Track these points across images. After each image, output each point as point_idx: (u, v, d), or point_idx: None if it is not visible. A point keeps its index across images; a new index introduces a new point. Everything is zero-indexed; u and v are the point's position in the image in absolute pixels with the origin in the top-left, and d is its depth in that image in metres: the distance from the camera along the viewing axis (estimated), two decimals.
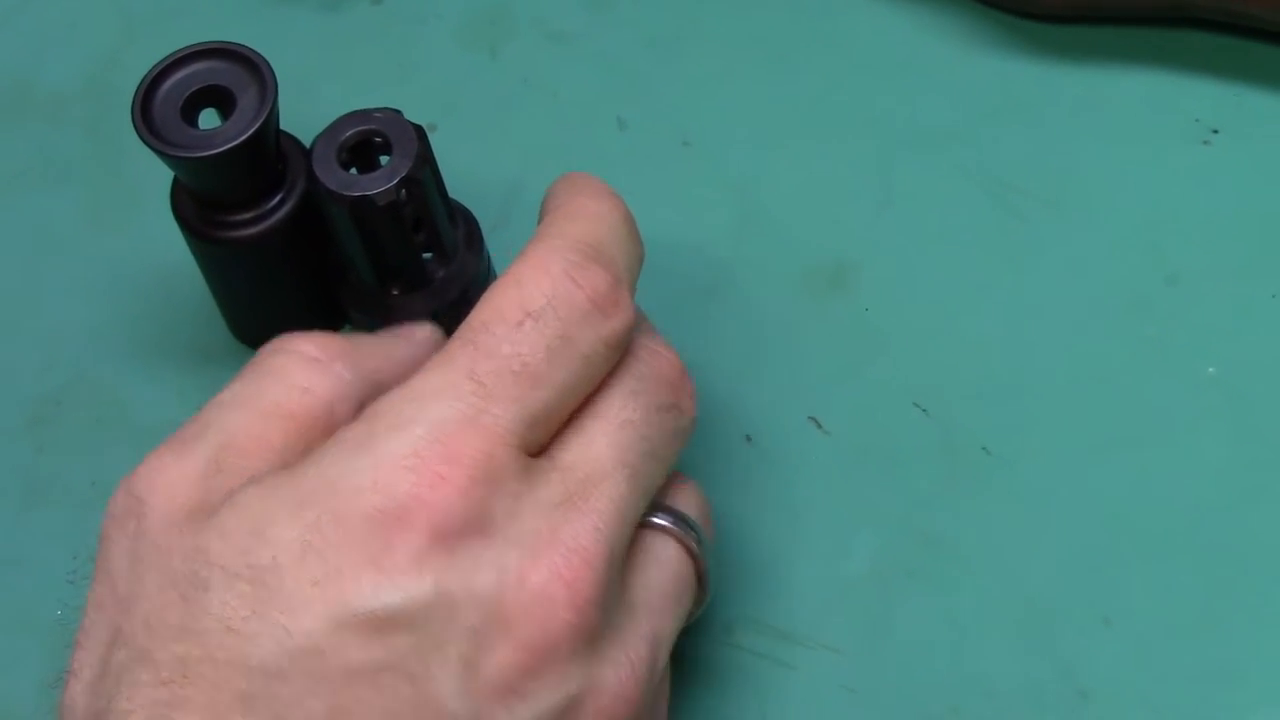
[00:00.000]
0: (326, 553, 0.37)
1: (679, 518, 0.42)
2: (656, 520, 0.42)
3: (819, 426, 0.49)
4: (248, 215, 0.48)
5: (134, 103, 0.46)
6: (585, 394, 0.41)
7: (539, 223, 0.43)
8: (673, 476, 0.43)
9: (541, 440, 0.40)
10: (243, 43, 0.48)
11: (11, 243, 0.55)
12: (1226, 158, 0.52)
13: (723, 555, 0.47)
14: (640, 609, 0.41)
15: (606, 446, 0.40)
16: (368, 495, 0.37)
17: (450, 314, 0.48)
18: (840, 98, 0.54)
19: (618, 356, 0.41)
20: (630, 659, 0.39)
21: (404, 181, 0.46)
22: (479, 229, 0.49)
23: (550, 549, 0.38)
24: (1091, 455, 0.48)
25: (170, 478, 0.40)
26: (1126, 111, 0.53)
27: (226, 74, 0.47)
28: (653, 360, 0.42)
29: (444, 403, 0.39)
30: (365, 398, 0.41)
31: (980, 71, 0.54)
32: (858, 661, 0.46)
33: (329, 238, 0.48)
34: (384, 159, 0.47)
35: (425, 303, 0.48)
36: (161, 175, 0.49)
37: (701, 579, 0.43)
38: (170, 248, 0.51)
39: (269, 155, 0.47)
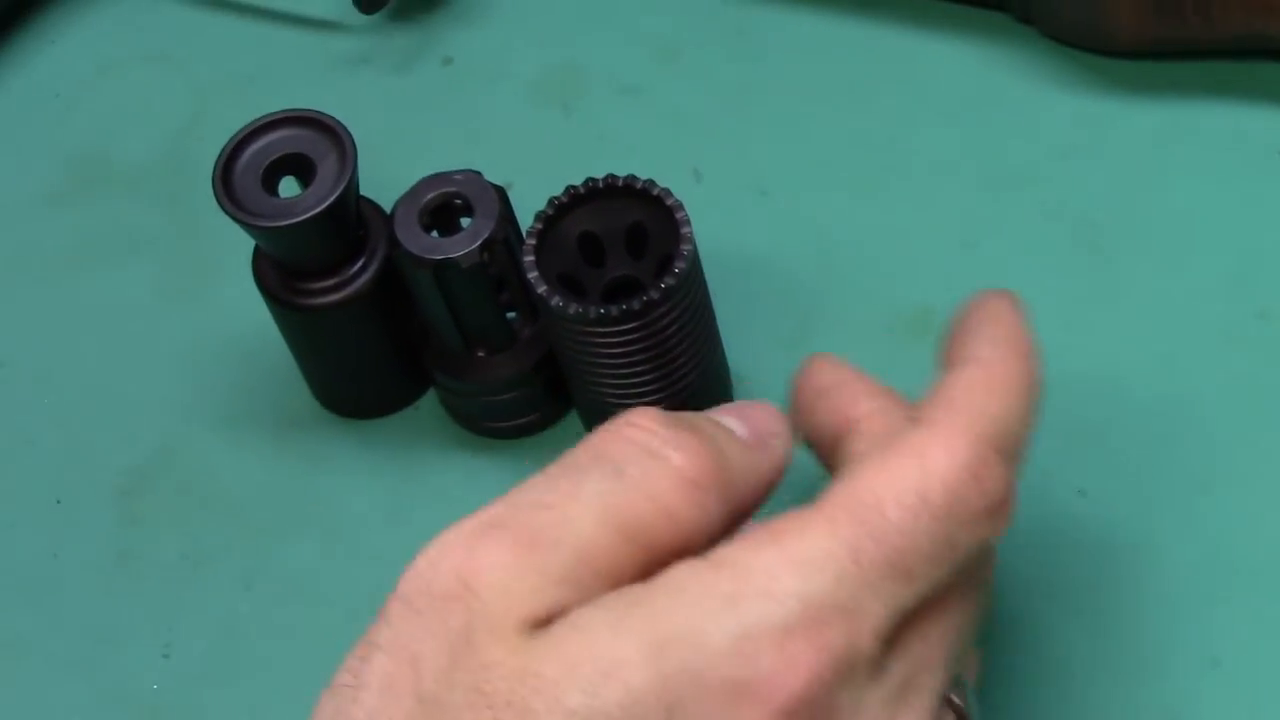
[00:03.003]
0: (676, 712, 0.35)
1: (962, 688, 0.41)
2: (949, 696, 0.40)
3: None
4: (330, 282, 0.48)
5: (215, 173, 0.47)
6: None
7: (948, 357, 0.41)
8: (971, 643, 0.41)
9: (897, 631, 0.38)
10: (315, 108, 0.48)
11: (94, 316, 0.55)
12: None
13: None
14: None
15: (939, 635, 0.38)
16: (730, 660, 0.35)
17: (537, 373, 0.48)
18: (917, 140, 0.54)
19: (984, 556, 0.40)
20: None
21: (487, 243, 0.46)
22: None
23: None
24: (1189, 493, 0.47)
25: (510, 578, 0.36)
26: (1208, 145, 0.53)
27: (305, 141, 0.47)
28: (985, 545, 0.39)
29: (823, 581, 0.36)
30: (726, 529, 0.39)
31: (1058, 109, 0.54)
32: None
33: (412, 302, 0.48)
34: (465, 221, 0.47)
35: (512, 363, 0.48)
36: (241, 243, 0.49)
37: None
38: (252, 316, 0.51)
39: (350, 221, 0.47)
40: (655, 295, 0.44)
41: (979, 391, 0.39)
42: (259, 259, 0.49)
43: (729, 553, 0.36)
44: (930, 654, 0.38)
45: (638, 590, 0.36)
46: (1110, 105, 0.54)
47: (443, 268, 0.46)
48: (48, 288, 0.56)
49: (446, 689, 0.35)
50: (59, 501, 0.52)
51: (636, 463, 0.37)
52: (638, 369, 0.46)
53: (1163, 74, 0.54)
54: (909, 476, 0.37)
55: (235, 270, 0.51)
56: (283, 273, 0.48)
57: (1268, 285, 0.50)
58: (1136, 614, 0.46)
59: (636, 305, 0.44)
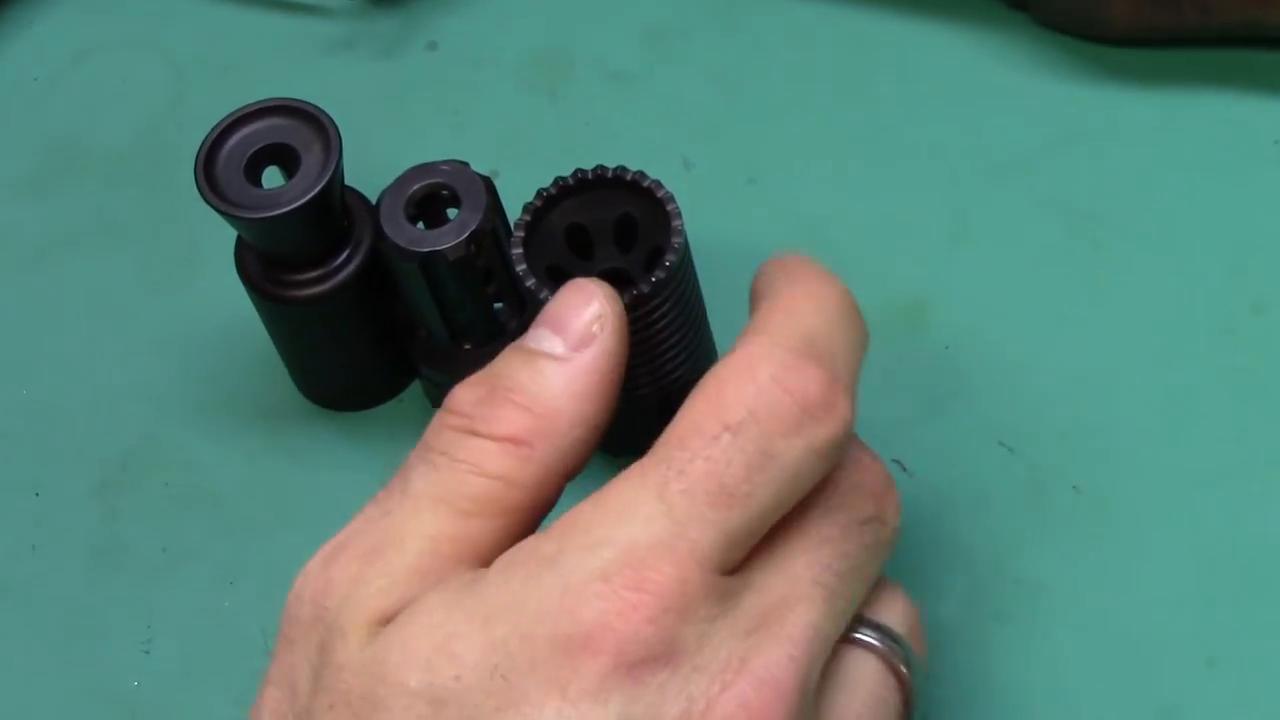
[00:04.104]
0: (511, 675, 0.35)
1: (883, 633, 0.40)
2: (858, 636, 0.40)
3: (903, 469, 0.48)
4: (314, 274, 0.47)
5: (196, 164, 0.46)
6: (790, 508, 0.38)
7: (751, 312, 0.41)
8: (885, 586, 0.41)
9: (739, 559, 0.38)
10: (298, 94, 0.47)
11: (71, 305, 0.54)
12: None
13: None
14: None
15: (804, 566, 0.38)
16: (554, 618, 0.36)
17: None
18: (908, 130, 0.53)
19: (830, 466, 0.38)
20: None
21: (474, 236, 0.45)
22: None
23: (740, 678, 0.36)
24: (1185, 490, 0.47)
25: (356, 587, 0.38)
26: (1203, 135, 0.52)
27: (289, 131, 0.46)
28: (855, 469, 0.39)
29: (635, 524, 0.36)
30: (578, 459, 0.39)
31: (1051, 98, 0.53)
32: (950, 709, 0.45)
33: (397, 293, 0.47)
34: (451, 212, 0.46)
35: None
36: (222, 233, 0.48)
37: (908, 700, 0.40)
38: (234, 307, 0.51)
39: (334, 212, 0.47)
40: (645, 289, 0.43)
41: (777, 314, 0.39)
42: (241, 249, 0.48)
43: (556, 522, 0.37)
44: (792, 586, 0.37)
45: (477, 571, 0.37)
46: (1104, 94, 0.53)
47: (429, 260, 0.45)
48: (25, 276, 0.55)
49: (314, 700, 0.37)
50: (37, 494, 0.51)
51: (457, 446, 0.39)
52: (627, 363, 0.45)
53: (1158, 62, 0.53)
54: (707, 407, 0.37)
55: (217, 260, 0.50)
56: (266, 263, 0.48)
57: (1263, 277, 0.50)
58: (1132, 612, 0.46)
59: (626, 299, 0.43)
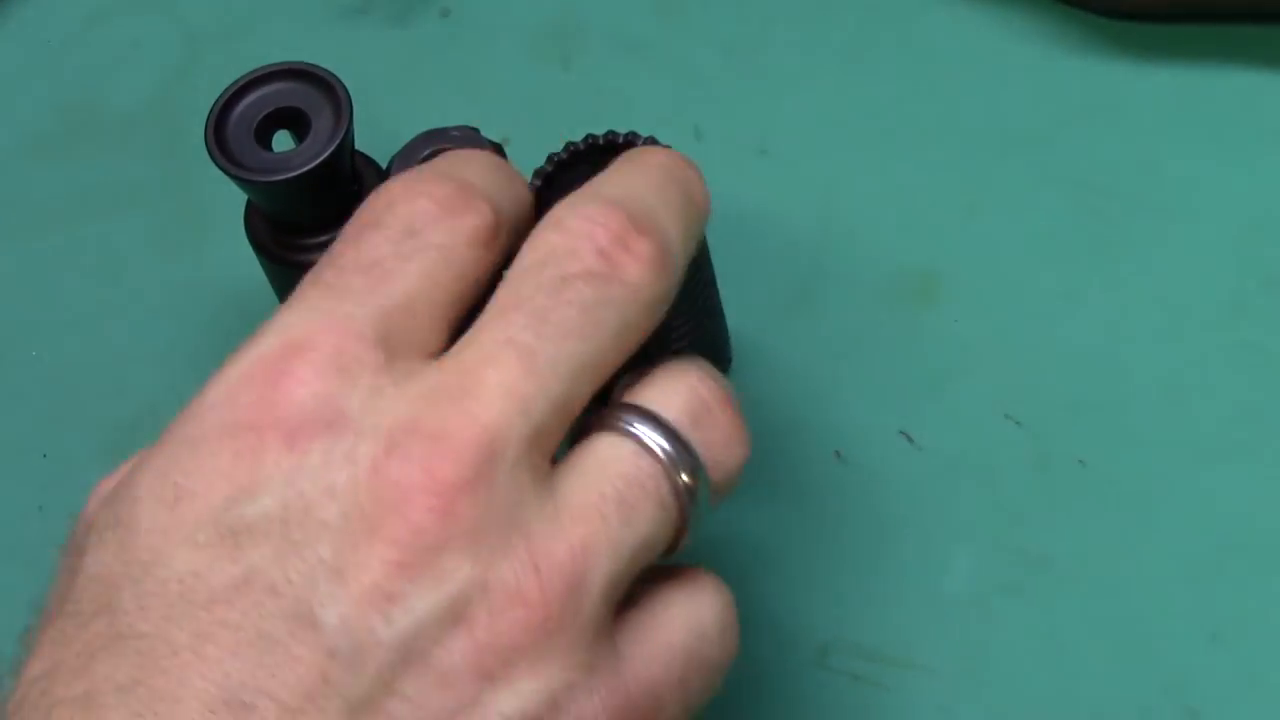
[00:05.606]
0: (179, 477, 0.35)
1: (644, 415, 0.36)
2: (612, 419, 0.36)
3: (910, 441, 0.48)
4: (324, 238, 0.47)
5: (207, 127, 0.46)
6: (458, 290, 0.37)
7: None
8: (670, 369, 0.38)
9: (412, 337, 0.36)
10: (310, 59, 0.47)
11: (81, 267, 0.54)
12: None
13: (814, 575, 0.46)
14: (565, 512, 0.35)
15: (495, 330, 0.36)
16: (216, 411, 0.36)
17: None
18: (922, 102, 0.53)
19: (490, 256, 0.37)
20: (537, 561, 0.34)
21: None
22: None
23: (409, 437, 0.34)
24: (1191, 465, 0.47)
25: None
26: (1216, 111, 0.52)
27: (300, 95, 0.46)
28: (574, 225, 0.37)
29: (290, 311, 0.36)
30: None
31: (1066, 73, 0.53)
32: (954, 683, 0.45)
33: None
34: None
35: None
36: (232, 196, 0.48)
37: (678, 490, 0.36)
38: (243, 270, 0.50)
39: (345, 177, 0.47)
40: None
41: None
42: (251, 213, 0.48)
43: None
44: (478, 351, 0.35)
45: None
46: (1119, 69, 0.53)
47: None
48: (35, 238, 0.55)
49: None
50: (45, 455, 0.52)
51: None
52: None
53: (1173, 37, 0.53)
54: (352, 219, 0.38)
55: (228, 223, 0.50)
56: (275, 228, 0.48)
57: (1274, 254, 0.50)
58: (1136, 586, 0.46)
59: None
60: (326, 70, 0.46)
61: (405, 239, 0.37)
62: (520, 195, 0.40)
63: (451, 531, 0.34)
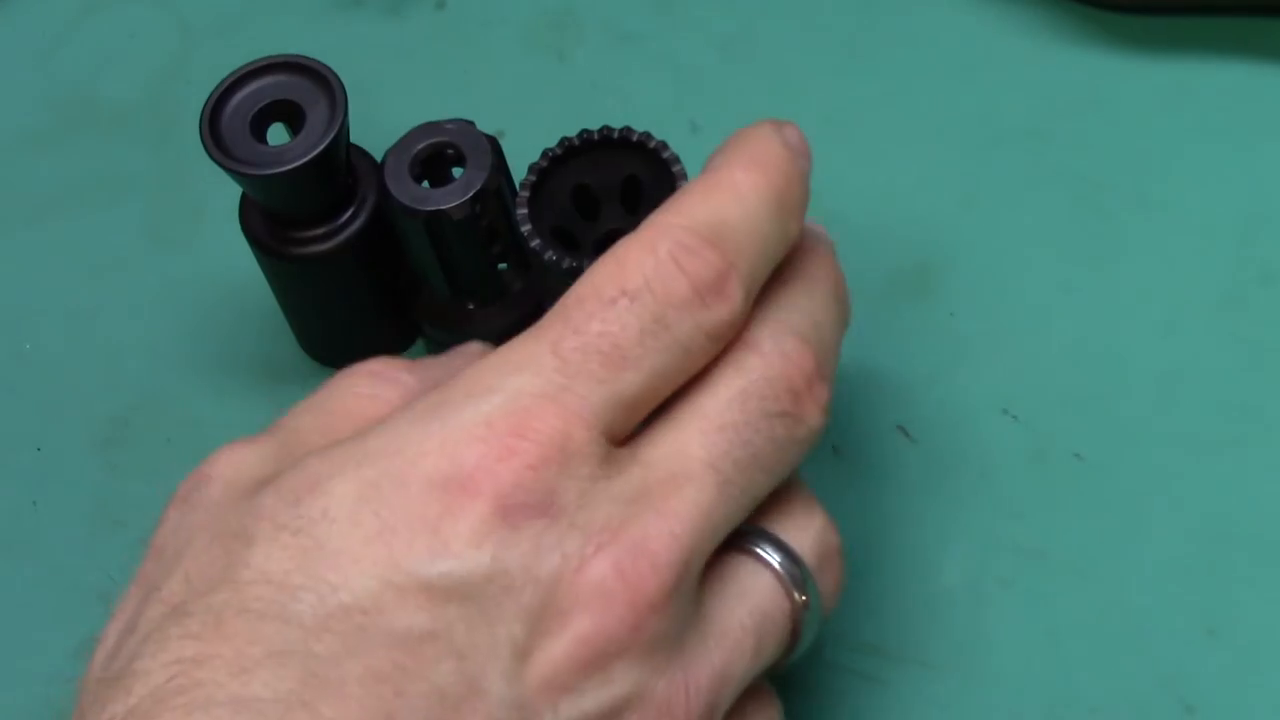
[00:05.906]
0: (382, 511, 0.35)
1: (784, 551, 0.39)
2: (754, 548, 0.39)
3: (907, 435, 0.48)
4: (319, 231, 0.47)
5: (202, 120, 0.46)
6: (679, 383, 0.38)
7: None
8: (803, 506, 0.40)
9: (627, 428, 0.38)
10: (305, 52, 0.47)
11: (75, 259, 0.54)
12: None
13: None
14: (712, 638, 0.38)
15: (699, 447, 0.37)
16: (432, 459, 0.36)
17: (528, 325, 0.48)
18: (918, 96, 0.53)
19: (718, 349, 0.38)
20: (688, 682, 0.37)
21: (479, 195, 0.45)
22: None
23: (616, 543, 0.36)
24: (1188, 460, 0.47)
25: (238, 455, 0.39)
26: (1213, 104, 0.52)
27: (295, 88, 0.46)
28: (778, 360, 0.39)
29: (525, 375, 0.37)
30: None
31: (1062, 66, 0.53)
32: (951, 677, 0.45)
33: (402, 252, 0.47)
34: (457, 171, 0.46)
35: (502, 315, 0.47)
36: (227, 189, 0.48)
37: (797, 630, 0.39)
38: (238, 263, 0.50)
39: (340, 170, 0.46)
40: None
41: (691, 194, 0.39)
42: (246, 206, 0.48)
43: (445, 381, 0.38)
44: (683, 465, 0.37)
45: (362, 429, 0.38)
46: (1115, 62, 0.53)
47: (434, 219, 0.45)
48: (29, 229, 0.55)
49: (186, 545, 0.37)
50: (39, 449, 0.51)
51: (336, 379, 0.41)
52: None
53: (1170, 30, 0.53)
54: (608, 273, 0.38)
55: (222, 216, 0.50)
56: (270, 220, 0.48)
57: (1271, 248, 0.50)
58: (1133, 580, 0.46)
59: None
60: (321, 63, 0.46)
61: (654, 326, 0.37)
62: (783, 240, 0.40)
63: (633, 642, 0.36)
